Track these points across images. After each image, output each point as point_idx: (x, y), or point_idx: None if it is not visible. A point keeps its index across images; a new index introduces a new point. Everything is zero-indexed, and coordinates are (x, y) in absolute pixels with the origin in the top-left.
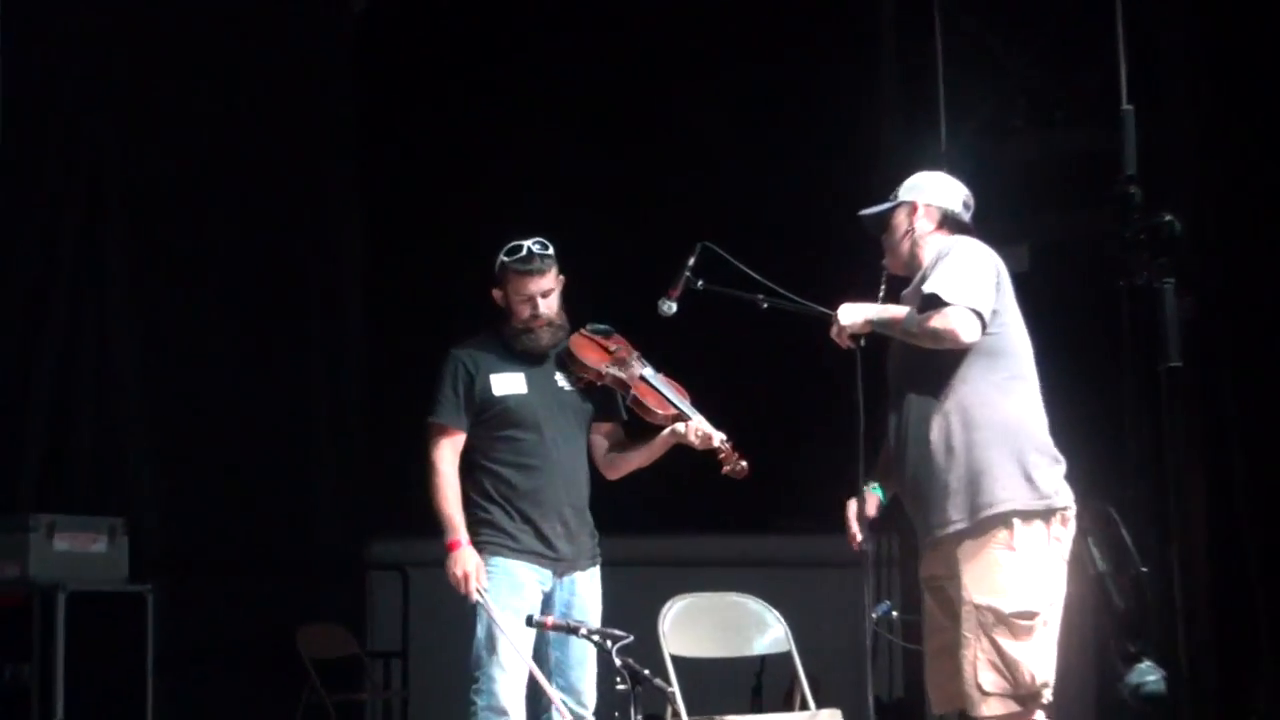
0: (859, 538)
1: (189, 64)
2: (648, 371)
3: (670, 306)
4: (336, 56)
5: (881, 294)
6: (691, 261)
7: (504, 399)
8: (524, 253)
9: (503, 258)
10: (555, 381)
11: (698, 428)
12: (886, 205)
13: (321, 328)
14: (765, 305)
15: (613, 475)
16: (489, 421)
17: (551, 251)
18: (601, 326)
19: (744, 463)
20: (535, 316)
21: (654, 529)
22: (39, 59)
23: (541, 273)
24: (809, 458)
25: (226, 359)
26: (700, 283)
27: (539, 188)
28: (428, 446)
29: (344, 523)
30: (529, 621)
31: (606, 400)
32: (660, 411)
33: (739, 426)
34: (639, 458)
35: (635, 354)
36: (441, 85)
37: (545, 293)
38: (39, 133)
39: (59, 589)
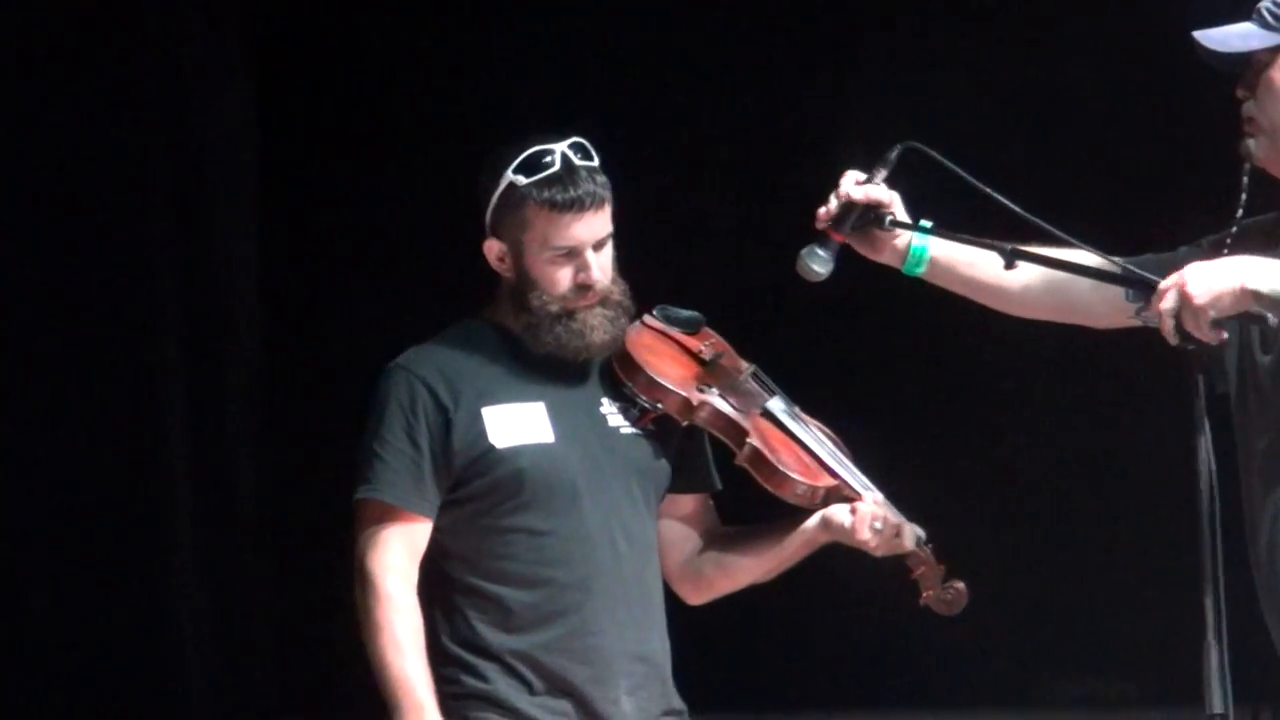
0: (828, 208)
1: None
2: (775, 404)
3: (824, 260)
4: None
5: (1239, 211)
6: (884, 173)
7: (514, 455)
8: (557, 167)
9: (513, 176)
10: (601, 415)
11: (874, 513)
12: (1263, 35)
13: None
14: (1012, 265)
15: (697, 596)
16: (483, 500)
17: (597, 162)
18: (684, 313)
19: (959, 584)
20: (585, 288)
21: (808, 699)
22: None
23: (596, 204)
24: (1112, 576)
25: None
26: (890, 219)
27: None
28: (361, 546)
29: (226, 698)
30: None
31: (692, 454)
32: (802, 480)
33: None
34: (753, 565)
35: (748, 368)
36: None
37: (599, 243)
38: None
39: None
